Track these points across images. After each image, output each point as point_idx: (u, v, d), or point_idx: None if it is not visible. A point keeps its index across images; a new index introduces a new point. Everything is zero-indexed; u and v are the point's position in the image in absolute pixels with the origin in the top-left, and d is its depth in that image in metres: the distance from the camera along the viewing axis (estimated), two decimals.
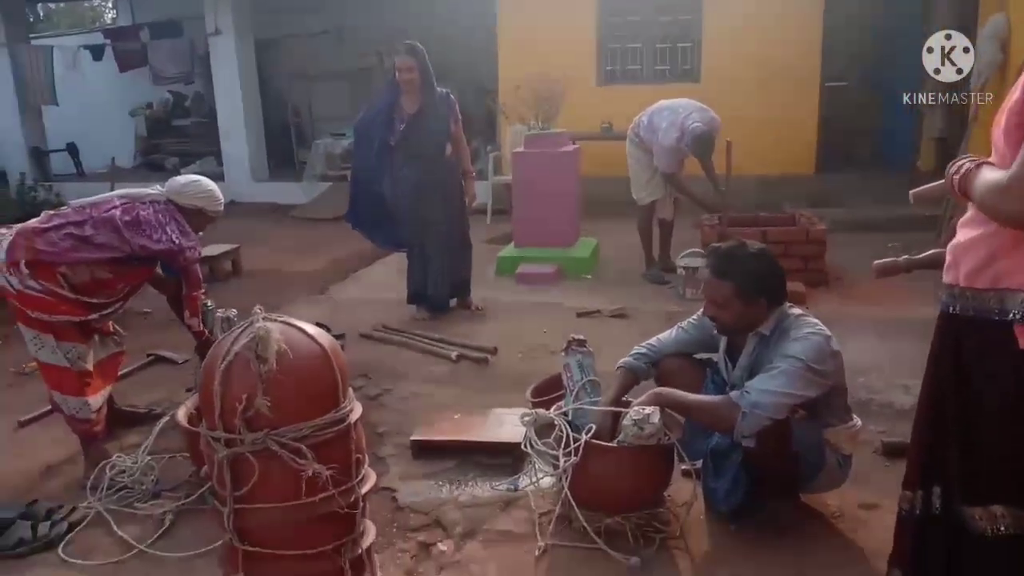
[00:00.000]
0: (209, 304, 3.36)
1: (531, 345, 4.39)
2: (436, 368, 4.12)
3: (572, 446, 2.48)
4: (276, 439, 1.90)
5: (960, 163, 1.60)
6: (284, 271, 6.66)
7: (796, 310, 2.52)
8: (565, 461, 2.45)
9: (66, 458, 3.22)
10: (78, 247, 2.91)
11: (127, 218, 2.99)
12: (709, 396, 2.49)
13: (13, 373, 4.21)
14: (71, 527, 2.65)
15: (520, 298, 5.36)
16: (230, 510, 1.94)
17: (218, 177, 10.61)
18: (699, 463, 2.64)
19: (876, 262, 3.01)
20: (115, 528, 2.66)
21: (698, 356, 2.84)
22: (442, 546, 2.54)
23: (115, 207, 3.03)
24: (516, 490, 2.83)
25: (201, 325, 3.31)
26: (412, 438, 3.17)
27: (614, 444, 2.54)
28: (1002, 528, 1.54)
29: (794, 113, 8.63)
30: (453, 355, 4.19)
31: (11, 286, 2.89)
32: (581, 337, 2.81)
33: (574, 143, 6.41)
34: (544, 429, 2.71)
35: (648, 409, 2.41)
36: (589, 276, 5.90)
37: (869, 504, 2.65)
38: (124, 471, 2.88)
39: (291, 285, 6.06)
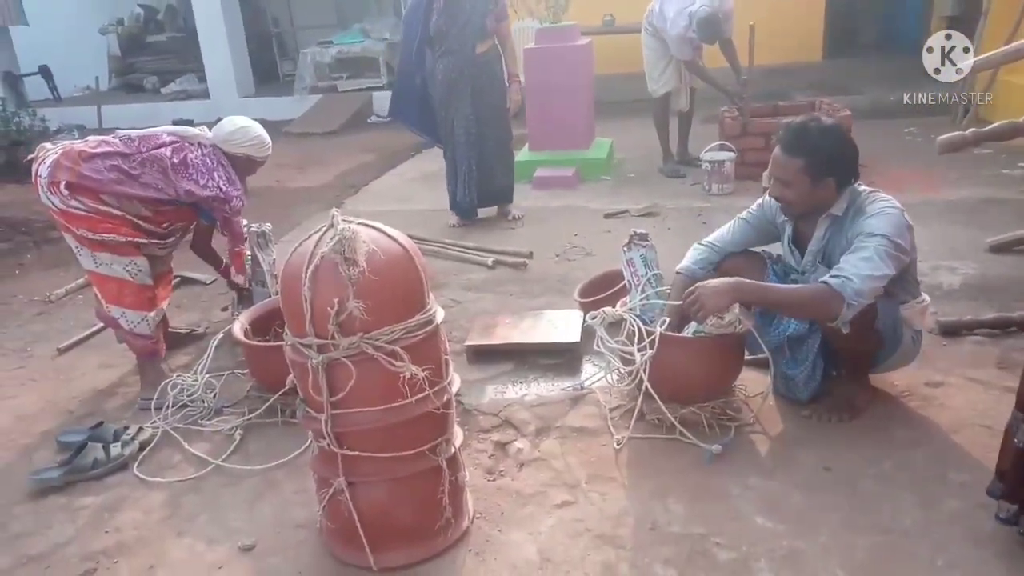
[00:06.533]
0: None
1: (564, 248, 4.34)
2: (473, 275, 4.06)
3: (647, 339, 2.45)
4: (371, 342, 1.85)
5: None
6: (290, 187, 6.49)
7: (865, 187, 2.43)
8: (642, 355, 2.43)
9: (117, 381, 3.18)
10: (122, 180, 2.82)
11: (176, 159, 2.88)
12: (800, 287, 2.35)
13: (40, 301, 4.11)
14: (142, 447, 2.62)
15: (542, 203, 5.26)
16: (327, 416, 1.91)
17: (203, 94, 10.31)
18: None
19: (940, 138, 2.95)
20: (186, 446, 2.65)
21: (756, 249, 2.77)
22: (519, 444, 2.55)
23: (164, 144, 2.91)
24: (583, 388, 2.82)
25: (247, 281, 3.25)
26: (467, 343, 3.13)
27: (691, 335, 2.52)
28: None
29: None
30: (489, 261, 4.12)
31: (53, 204, 2.79)
32: (643, 231, 2.75)
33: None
34: (608, 327, 2.67)
35: None
36: (608, 177, 5.78)
37: (935, 382, 2.68)
38: (185, 390, 2.84)
39: (300, 201, 5.91)
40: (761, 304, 2.40)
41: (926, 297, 2.51)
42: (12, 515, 2.38)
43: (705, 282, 2.35)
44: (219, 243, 3.29)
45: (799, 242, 2.56)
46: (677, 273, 2.68)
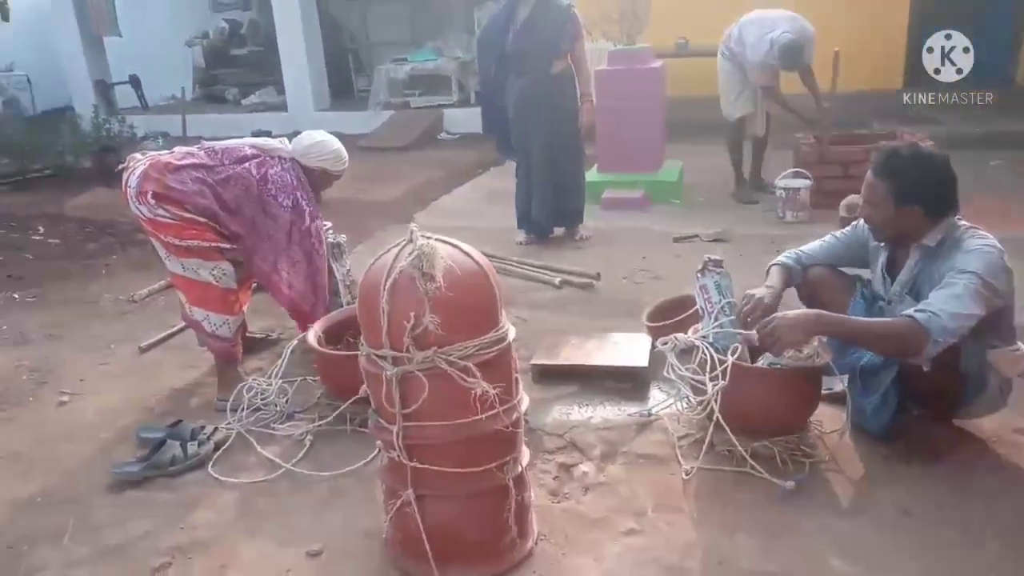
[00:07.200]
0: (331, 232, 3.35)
1: (632, 270, 4.31)
2: (540, 294, 4.06)
3: (719, 369, 2.40)
4: (444, 357, 1.87)
5: None
6: (363, 200, 6.60)
7: (965, 223, 2.36)
8: (714, 385, 2.38)
9: (195, 381, 3.29)
10: (205, 193, 2.92)
11: (257, 175, 2.98)
12: (883, 320, 2.31)
13: (124, 301, 4.29)
14: (217, 446, 2.70)
15: (610, 224, 5.24)
16: (399, 428, 1.93)
17: (281, 107, 10.64)
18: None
19: None
20: (259, 448, 2.71)
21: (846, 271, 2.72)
22: (584, 467, 2.53)
23: (247, 158, 3.02)
24: (651, 415, 2.78)
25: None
26: (533, 362, 3.13)
27: (766, 365, 2.46)
28: None
29: (882, 22, 8.14)
30: (556, 281, 4.12)
31: (142, 213, 2.92)
32: (718, 257, 2.70)
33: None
34: (679, 354, 2.64)
35: None
36: (677, 201, 5.72)
37: (1023, 429, 2.55)
38: (259, 393, 2.91)
39: (373, 214, 6.02)
40: (841, 337, 2.34)
41: (1021, 346, 2.39)
42: (93, 506, 2.48)
43: (784, 313, 2.30)
44: None
45: (892, 270, 2.51)
46: (772, 265, 2.74)
